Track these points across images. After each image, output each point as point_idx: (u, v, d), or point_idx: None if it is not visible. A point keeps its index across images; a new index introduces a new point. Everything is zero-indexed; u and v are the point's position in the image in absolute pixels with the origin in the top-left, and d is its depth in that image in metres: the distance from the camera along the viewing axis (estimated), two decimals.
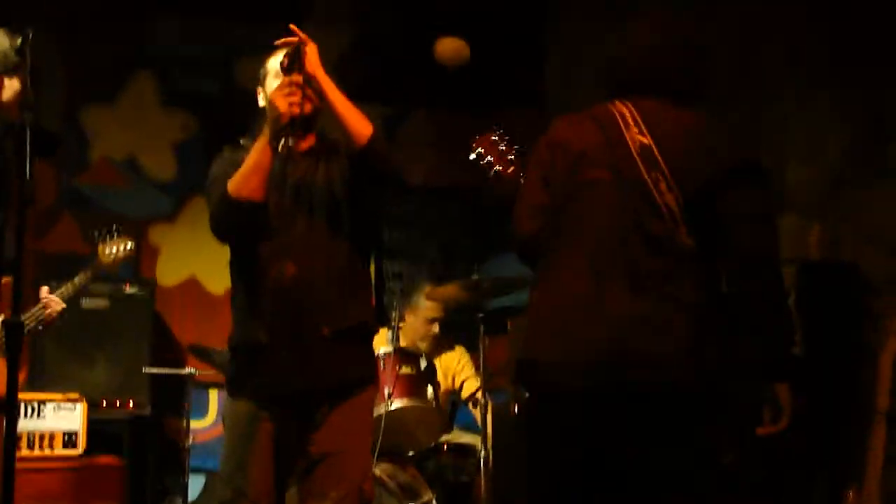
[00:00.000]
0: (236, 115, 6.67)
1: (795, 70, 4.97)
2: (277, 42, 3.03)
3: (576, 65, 6.85)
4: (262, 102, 3.27)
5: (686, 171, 2.52)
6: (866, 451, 3.57)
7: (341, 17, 6.98)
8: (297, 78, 2.95)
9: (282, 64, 2.98)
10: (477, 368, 5.19)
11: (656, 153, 2.53)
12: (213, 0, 6.59)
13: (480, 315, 4.84)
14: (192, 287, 6.60)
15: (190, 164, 6.65)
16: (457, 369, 5.48)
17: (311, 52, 2.97)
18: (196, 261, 6.57)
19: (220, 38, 6.72)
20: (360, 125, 3.01)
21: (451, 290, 5.02)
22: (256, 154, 3.00)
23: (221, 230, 3.11)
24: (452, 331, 5.59)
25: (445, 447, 5.01)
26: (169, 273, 6.58)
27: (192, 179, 6.58)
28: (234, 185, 3.00)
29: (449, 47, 6.83)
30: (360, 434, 3.16)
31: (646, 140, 2.55)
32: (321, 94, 3.00)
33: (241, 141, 3.29)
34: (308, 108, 3.00)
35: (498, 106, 7.24)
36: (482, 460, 4.47)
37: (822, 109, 4.78)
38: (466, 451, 5.00)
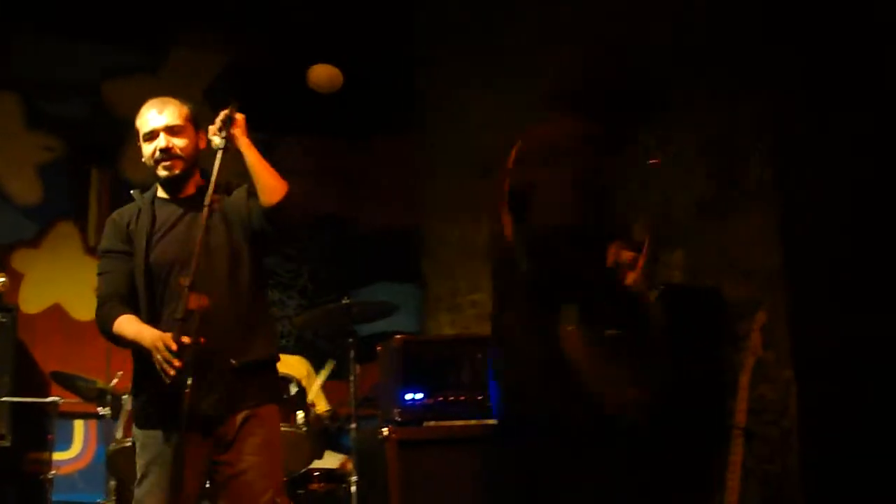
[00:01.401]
0: (102, 138, 6.66)
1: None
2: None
3: (447, 93, 6.95)
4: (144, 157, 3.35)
5: None
6: (727, 466, 3.69)
7: (213, 42, 6.94)
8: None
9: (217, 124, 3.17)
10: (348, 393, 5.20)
11: None
12: (81, 22, 6.48)
13: (350, 340, 4.86)
14: (56, 314, 6.43)
15: (55, 188, 6.50)
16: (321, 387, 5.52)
17: (240, 119, 3.17)
18: (61, 287, 6.42)
19: (86, 60, 6.61)
20: (275, 183, 3.18)
21: (318, 314, 5.03)
22: (136, 339, 3.12)
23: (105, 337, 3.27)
24: (324, 355, 5.60)
25: (316, 473, 4.99)
26: (32, 299, 6.40)
27: (57, 204, 6.44)
28: (115, 330, 3.17)
29: (322, 74, 6.84)
30: (269, 450, 3.23)
31: None
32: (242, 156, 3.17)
33: (132, 192, 3.40)
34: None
35: (371, 133, 7.31)
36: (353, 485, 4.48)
37: (687, 141, 4.94)
38: (337, 476, 4.99)
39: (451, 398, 4.03)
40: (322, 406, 5.39)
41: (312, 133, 7.26)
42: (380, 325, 6.26)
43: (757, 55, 4.54)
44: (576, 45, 5.15)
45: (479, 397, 4.05)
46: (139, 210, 3.30)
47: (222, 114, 3.16)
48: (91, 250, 6.26)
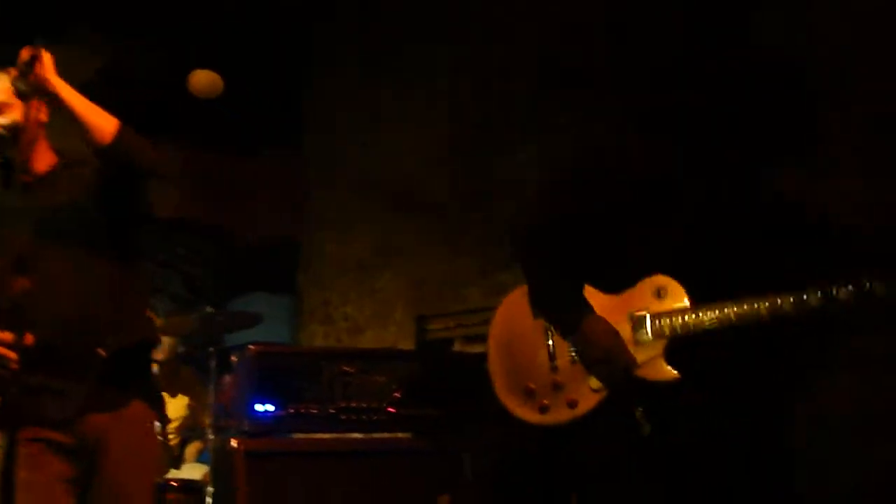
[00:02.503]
0: None
1: (532, 125, 5.19)
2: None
3: (331, 107, 6.93)
4: None
5: None
6: None
7: (93, 43, 6.80)
8: None
9: (18, 70, 2.78)
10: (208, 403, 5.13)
11: None
12: None
13: (211, 350, 4.79)
14: None
15: None
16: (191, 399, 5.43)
17: (46, 59, 2.77)
18: None
19: None
20: (102, 123, 2.81)
21: (179, 321, 4.95)
22: None
23: None
24: (189, 364, 5.52)
25: (171, 483, 4.90)
26: None
27: None
28: None
29: (203, 79, 6.75)
30: (139, 459, 2.92)
31: None
32: (57, 101, 2.80)
33: None
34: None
35: (253, 144, 7.23)
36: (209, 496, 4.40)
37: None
38: (192, 487, 4.90)
39: (304, 411, 3.98)
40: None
41: (193, 141, 7.16)
42: (252, 337, 6.20)
43: None
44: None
45: (332, 410, 4.02)
46: None
47: (22, 55, 2.75)
48: None
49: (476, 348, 4.47)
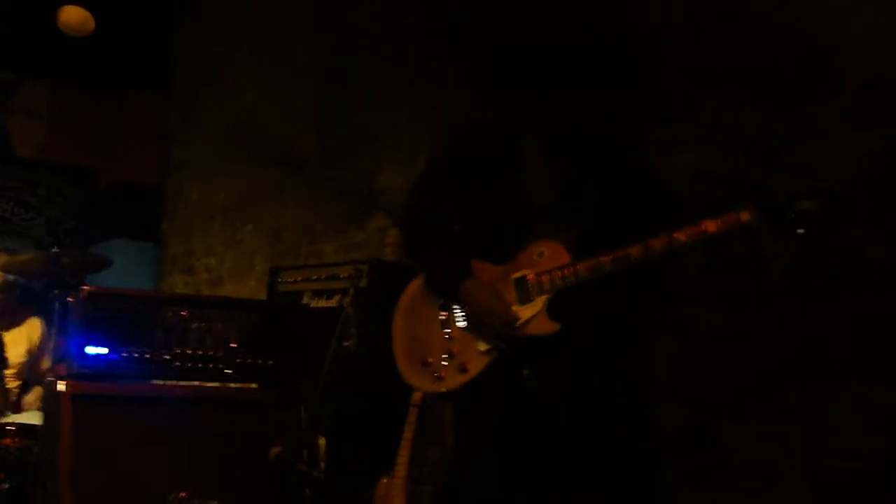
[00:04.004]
0: None
1: (397, 81, 5.16)
2: None
3: (203, 51, 6.78)
4: None
5: None
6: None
7: None
8: None
9: None
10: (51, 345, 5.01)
11: None
12: None
13: (56, 291, 4.66)
14: None
15: None
16: (36, 347, 5.27)
17: None
18: None
19: None
20: None
21: (26, 259, 4.80)
22: None
23: None
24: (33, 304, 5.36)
25: (10, 427, 4.76)
26: None
27: None
28: None
29: (73, 16, 6.54)
30: None
31: None
32: None
33: None
34: None
35: (121, 84, 7.04)
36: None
37: (418, 121, 4.96)
38: (29, 431, 4.77)
39: (137, 356, 3.88)
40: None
41: (60, 78, 6.94)
42: (113, 283, 6.07)
43: None
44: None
45: (167, 357, 3.93)
46: None
47: None
48: None
49: (325, 303, 4.42)
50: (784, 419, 3.15)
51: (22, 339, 5.26)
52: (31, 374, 5.25)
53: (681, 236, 2.62)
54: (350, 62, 5.44)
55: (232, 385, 4.05)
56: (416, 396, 3.73)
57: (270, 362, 4.09)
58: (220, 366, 4.02)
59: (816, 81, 3.13)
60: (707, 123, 3.46)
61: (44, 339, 5.29)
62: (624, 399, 2.90)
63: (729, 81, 3.39)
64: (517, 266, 2.85)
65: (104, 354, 3.87)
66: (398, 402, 3.91)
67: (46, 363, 5.10)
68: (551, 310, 2.77)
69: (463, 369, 2.87)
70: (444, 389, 2.94)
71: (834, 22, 3.10)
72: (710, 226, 2.60)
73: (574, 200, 2.84)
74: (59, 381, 3.79)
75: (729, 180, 3.34)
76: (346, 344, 4.02)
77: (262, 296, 5.66)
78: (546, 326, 2.77)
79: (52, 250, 4.73)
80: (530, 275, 2.81)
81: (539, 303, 2.78)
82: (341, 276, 4.46)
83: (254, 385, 4.09)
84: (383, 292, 4.24)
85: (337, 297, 4.42)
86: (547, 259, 2.81)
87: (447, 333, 2.94)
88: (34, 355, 5.27)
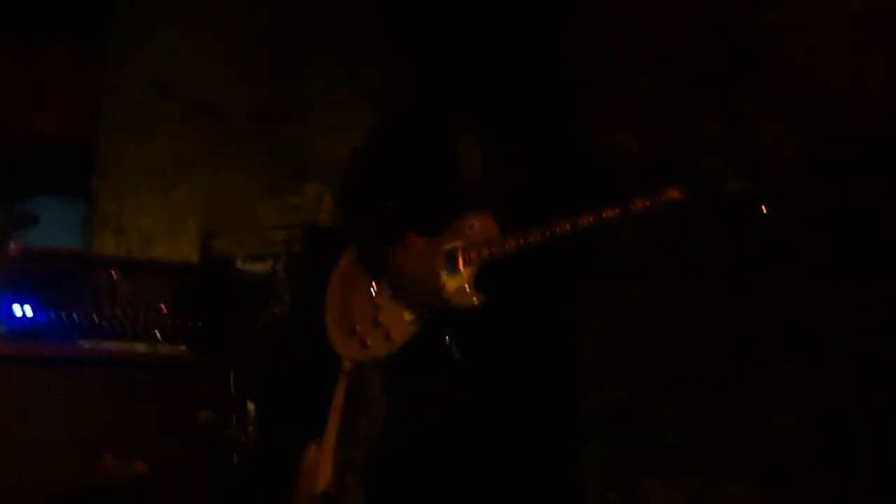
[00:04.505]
0: None
1: (334, 45, 5.12)
2: None
3: (144, 6, 6.65)
4: None
5: None
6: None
7: None
8: None
9: None
10: None
11: None
12: None
13: None
14: None
15: None
16: None
17: None
18: None
19: None
20: None
21: None
22: None
23: None
24: None
25: None
26: None
27: None
28: None
29: None
30: None
31: None
32: None
33: None
34: None
35: (49, 34, 6.84)
36: None
37: (353, 87, 4.94)
38: None
39: (65, 316, 3.83)
40: None
41: None
42: (41, 241, 5.95)
43: None
44: None
45: (96, 318, 3.88)
46: None
47: None
48: None
49: (258, 266, 4.38)
50: (715, 400, 3.20)
51: None
52: None
53: (610, 213, 2.65)
54: (287, 27, 5.38)
55: (161, 348, 4.01)
56: (346, 365, 3.74)
57: (200, 325, 4.06)
58: (150, 328, 3.99)
59: (749, 71, 3.17)
60: (637, 105, 3.49)
61: None
62: (549, 374, 2.93)
63: (662, 65, 3.42)
64: (448, 238, 2.87)
65: (29, 315, 3.82)
66: (328, 370, 3.92)
67: None
68: (478, 283, 2.80)
69: (388, 338, 2.91)
70: (369, 357, 3.00)
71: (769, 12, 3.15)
72: (640, 204, 2.63)
73: (506, 177, 2.88)
74: None
75: (657, 163, 3.39)
76: (276, 310, 4.00)
77: (196, 258, 5.62)
78: (471, 297, 2.80)
79: None
80: (459, 246, 2.84)
81: (466, 274, 2.81)
82: (275, 240, 4.44)
83: (183, 348, 4.06)
84: (317, 258, 4.23)
85: (270, 262, 4.39)
86: (477, 232, 2.83)
87: (376, 303, 2.97)
88: None
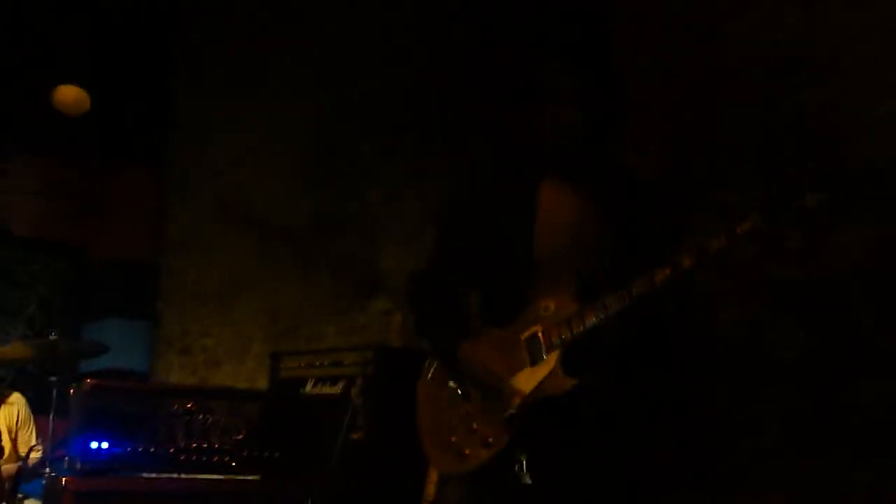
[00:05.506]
0: None
1: (392, 160, 5.14)
2: None
3: (203, 129, 6.77)
4: None
5: None
6: None
7: None
8: None
9: None
10: (44, 435, 4.90)
11: None
12: None
13: (53, 378, 4.57)
14: None
15: None
16: (15, 425, 5.16)
17: None
18: None
19: None
20: None
21: (19, 349, 4.73)
22: None
23: None
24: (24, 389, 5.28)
25: None
26: None
27: None
28: None
29: (69, 95, 6.54)
30: None
31: None
32: None
33: None
34: None
35: (116, 160, 7.01)
36: None
37: (415, 200, 4.94)
38: None
39: (141, 450, 3.81)
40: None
41: (51, 153, 6.91)
42: (107, 362, 5.99)
43: None
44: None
45: (172, 450, 3.86)
46: None
47: None
48: None
49: (327, 389, 4.35)
50: None
51: (9, 424, 5.16)
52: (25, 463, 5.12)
53: (685, 261, 2.48)
54: (345, 137, 5.43)
55: (236, 477, 3.98)
56: (429, 492, 3.67)
57: (276, 454, 4.03)
58: (226, 458, 3.96)
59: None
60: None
61: (25, 418, 5.18)
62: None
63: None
64: (525, 324, 2.71)
65: (106, 449, 3.80)
66: (408, 494, 3.86)
67: (30, 442, 5.00)
68: (566, 366, 2.63)
69: (486, 443, 2.71)
70: (470, 468, 2.76)
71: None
72: (715, 243, 2.46)
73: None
74: (62, 478, 3.73)
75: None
76: (355, 436, 3.94)
77: (261, 378, 5.60)
78: (562, 384, 2.63)
79: (50, 337, 4.65)
80: (538, 332, 2.67)
81: (552, 359, 2.64)
82: (345, 361, 4.40)
83: (258, 477, 4.02)
84: (390, 380, 4.20)
85: (341, 384, 4.34)
86: (554, 312, 2.67)
87: (468, 411, 2.78)
88: (14, 433, 5.16)
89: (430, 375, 2.97)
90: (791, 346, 3.21)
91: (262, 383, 5.44)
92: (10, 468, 4.93)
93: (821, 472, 3.08)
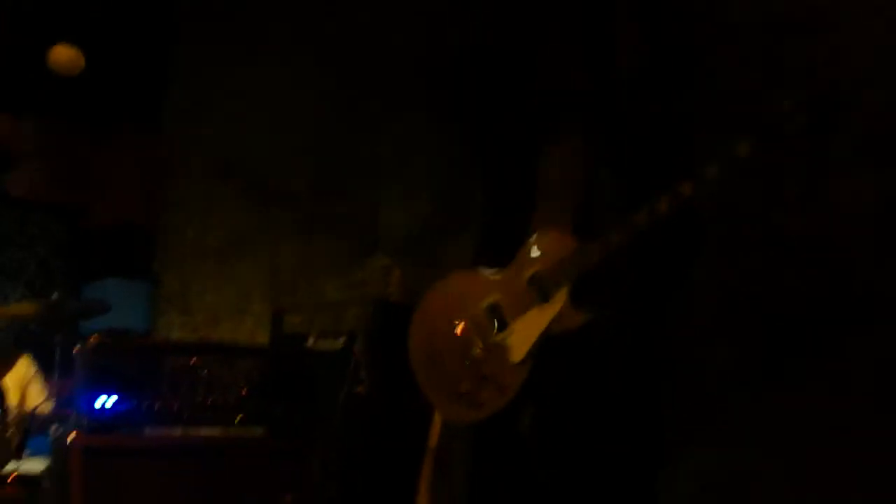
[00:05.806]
0: None
1: (397, 116, 5.13)
2: None
3: (201, 88, 6.75)
4: None
5: None
6: None
7: None
8: None
9: None
10: (50, 393, 4.95)
11: None
12: None
13: (58, 338, 4.61)
14: None
15: None
16: (25, 386, 5.20)
17: None
18: None
19: None
20: None
21: (22, 308, 4.76)
22: None
23: None
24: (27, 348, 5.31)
25: (11, 478, 4.71)
26: None
27: None
28: None
29: (64, 55, 6.51)
30: None
31: None
32: None
33: None
34: None
35: (111, 120, 6.99)
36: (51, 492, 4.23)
37: (419, 159, 4.95)
38: (29, 481, 4.71)
39: (147, 406, 3.85)
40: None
41: (47, 115, 6.90)
42: (107, 322, 6.00)
43: None
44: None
45: (177, 406, 3.90)
46: None
47: None
48: None
49: (329, 344, 4.39)
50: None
51: (16, 382, 5.20)
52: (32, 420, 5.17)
53: (684, 189, 2.43)
54: (349, 97, 5.42)
55: (241, 432, 4.02)
56: (433, 440, 3.72)
57: (280, 409, 4.07)
58: (230, 413, 4.00)
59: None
60: None
61: (32, 376, 5.22)
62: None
63: None
64: (524, 266, 2.70)
65: (113, 406, 3.84)
66: (412, 447, 3.91)
67: (37, 401, 5.05)
68: (575, 299, 2.59)
69: (502, 389, 2.68)
70: (487, 415, 2.73)
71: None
72: (711, 170, 2.41)
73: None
74: (68, 434, 3.76)
75: None
76: (356, 390, 3.99)
77: (261, 335, 5.64)
78: (575, 318, 2.61)
79: (52, 297, 4.68)
80: (542, 272, 2.65)
81: (562, 296, 2.61)
82: (345, 316, 4.45)
83: (262, 431, 4.06)
84: (390, 334, 4.24)
85: (342, 339, 4.39)
86: (554, 251, 2.66)
87: (475, 358, 2.74)
88: (22, 401, 5.20)
89: (420, 333, 2.99)
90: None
91: (263, 340, 5.49)
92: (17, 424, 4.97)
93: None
